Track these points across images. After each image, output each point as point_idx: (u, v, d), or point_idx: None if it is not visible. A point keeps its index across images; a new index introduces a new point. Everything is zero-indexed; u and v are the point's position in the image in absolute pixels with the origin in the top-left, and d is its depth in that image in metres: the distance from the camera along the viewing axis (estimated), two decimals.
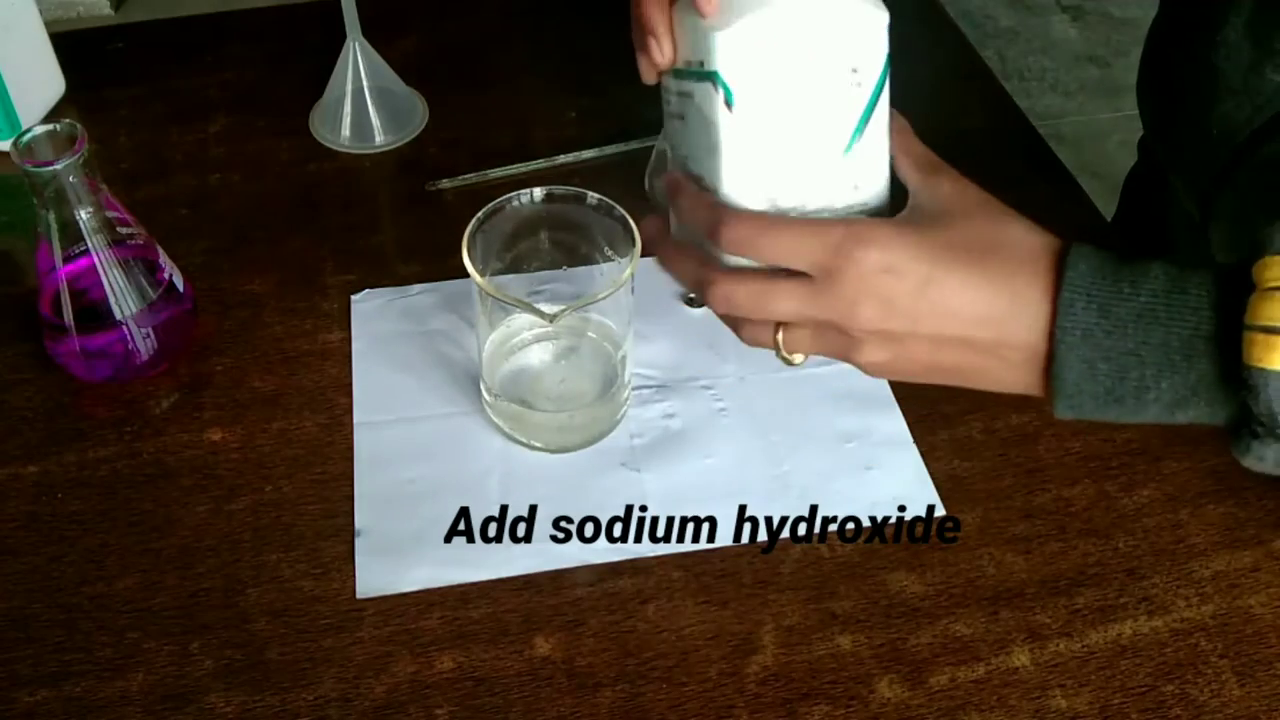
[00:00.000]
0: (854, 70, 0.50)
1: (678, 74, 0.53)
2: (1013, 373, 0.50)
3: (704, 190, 0.52)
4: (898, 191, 0.52)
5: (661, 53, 0.52)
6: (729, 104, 0.50)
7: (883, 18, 0.50)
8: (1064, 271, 0.47)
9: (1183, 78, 0.68)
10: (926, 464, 0.69)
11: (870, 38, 0.50)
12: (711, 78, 0.50)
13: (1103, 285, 0.47)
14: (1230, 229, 0.65)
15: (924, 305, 0.48)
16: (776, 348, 0.51)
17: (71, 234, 0.67)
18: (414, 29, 1.00)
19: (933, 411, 0.71)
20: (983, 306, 0.48)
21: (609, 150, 0.89)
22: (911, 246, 0.48)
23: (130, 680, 0.60)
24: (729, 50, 0.49)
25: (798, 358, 0.52)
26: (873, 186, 0.52)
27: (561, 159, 0.88)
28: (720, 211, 0.50)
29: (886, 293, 0.48)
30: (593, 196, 0.67)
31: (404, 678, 0.60)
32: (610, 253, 0.68)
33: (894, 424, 0.71)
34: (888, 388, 0.73)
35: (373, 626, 0.62)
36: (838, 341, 0.50)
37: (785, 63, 0.49)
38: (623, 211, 0.66)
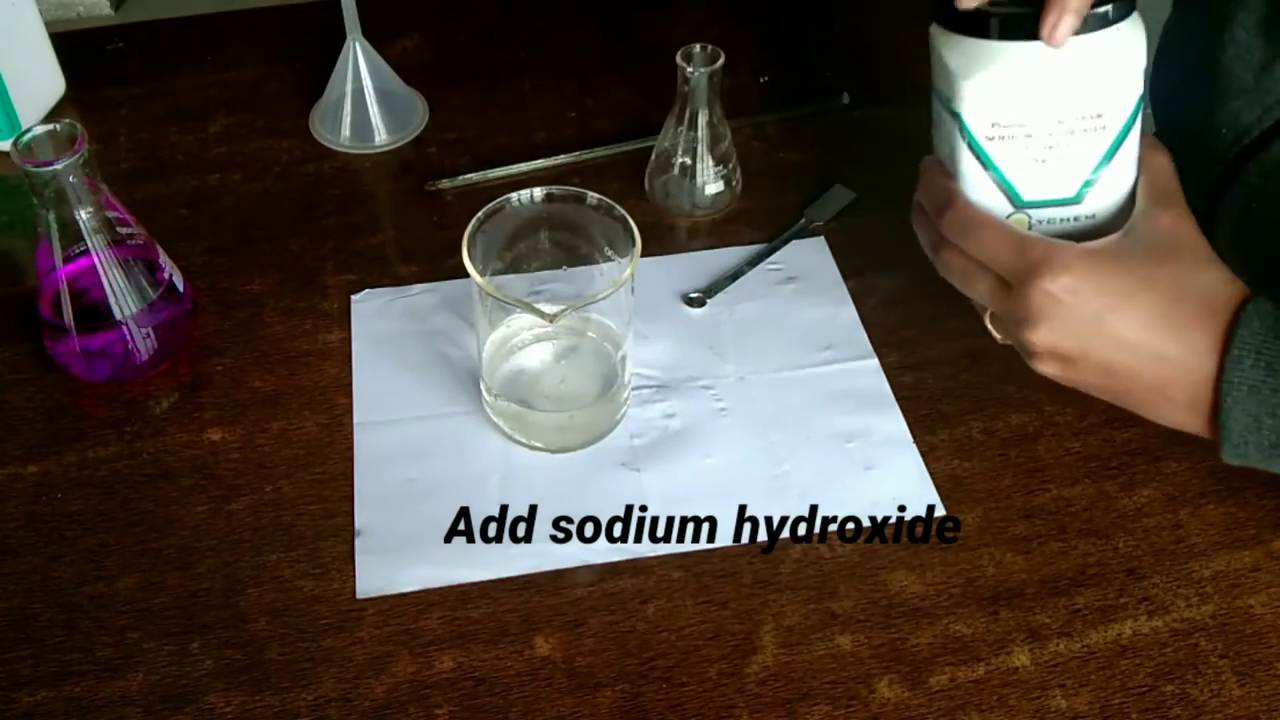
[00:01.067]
0: (1098, 115, 0.52)
1: (936, 92, 0.56)
2: (1178, 412, 0.53)
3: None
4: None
5: None
6: (971, 146, 0.53)
7: (1136, 64, 0.51)
8: (1237, 327, 0.50)
9: (1193, 77, 0.69)
10: (926, 464, 0.69)
11: (1120, 83, 0.52)
12: (956, 118, 0.53)
13: (1274, 343, 0.50)
14: (1236, 227, 0.66)
15: (1099, 335, 0.51)
16: (984, 320, 0.56)
17: (71, 234, 0.67)
18: (414, 29, 1.00)
19: (933, 411, 0.71)
20: (1157, 347, 0.51)
21: (609, 150, 0.89)
22: (1101, 278, 0.51)
23: (130, 680, 0.60)
24: (973, 100, 0.52)
25: (999, 337, 0.56)
26: (1105, 208, 0.54)
27: (561, 159, 0.88)
28: (951, 197, 0.54)
29: (1066, 316, 0.51)
30: (593, 196, 0.67)
31: (404, 678, 0.60)
32: (610, 253, 0.68)
33: (894, 424, 0.71)
34: (888, 388, 0.73)
35: (373, 626, 0.62)
36: (1020, 344, 0.54)
37: (1027, 111, 0.51)
38: (623, 211, 0.66)
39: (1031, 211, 0.54)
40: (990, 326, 0.57)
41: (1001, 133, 0.52)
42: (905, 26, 1.02)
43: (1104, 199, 0.54)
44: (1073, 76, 0.51)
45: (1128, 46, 0.51)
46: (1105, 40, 0.51)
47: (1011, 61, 0.51)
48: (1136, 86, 0.52)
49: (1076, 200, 0.54)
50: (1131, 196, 0.55)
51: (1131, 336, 0.51)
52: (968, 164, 0.54)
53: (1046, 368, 0.54)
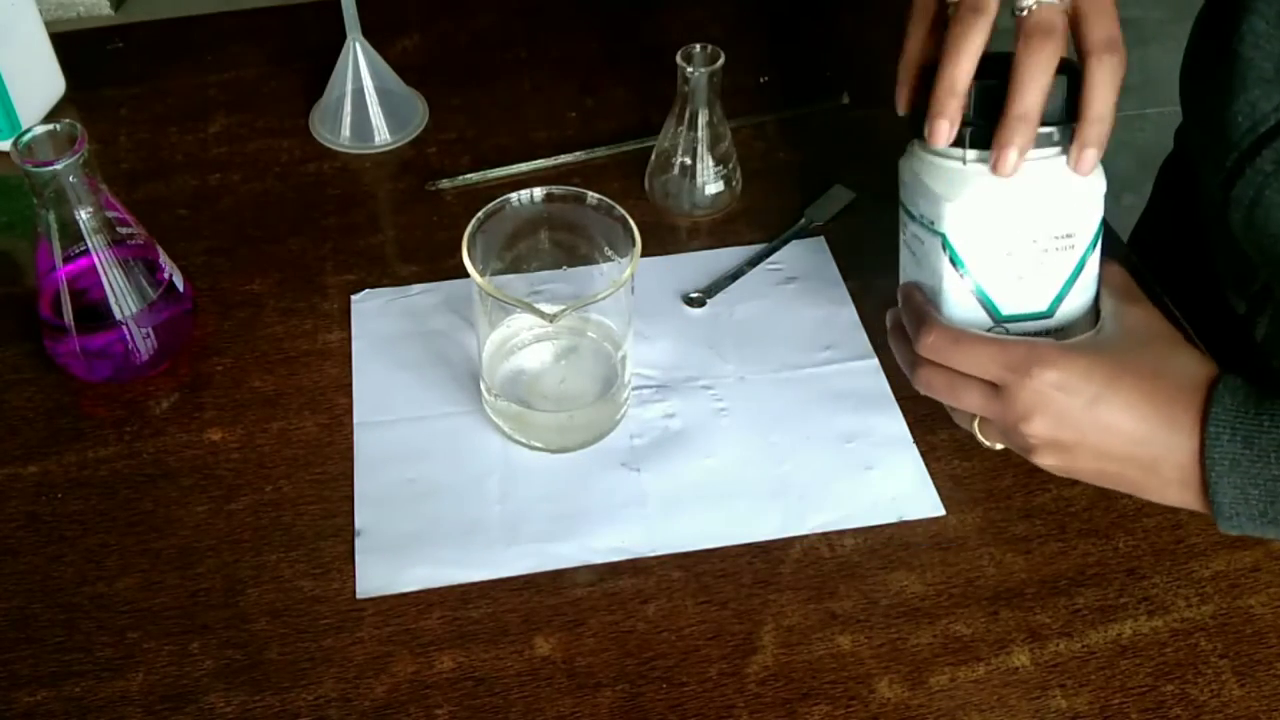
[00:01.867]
0: (1068, 235, 0.56)
1: (909, 213, 0.59)
2: (1172, 490, 0.55)
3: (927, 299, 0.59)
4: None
5: (900, 106, 0.61)
6: (954, 264, 0.56)
7: (1099, 188, 0.56)
8: (1210, 405, 0.52)
9: (1215, 66, 0.72)
10: (926, 464, 0.69)
11: (1086, 207, 0.56)
12: (940, 239, 0.56)
13: (1246, 419, 0.52)
14: (1249, 213, 0.68)
15: (1091, 421, 0.53)
16: (972, 430, 0.59)
17: (71, 234, 0.67)
18: (414, 29, 1.00)
19: (933, 411, 0.71)
20: (1143, 428, 0.53)
21: (609, 150, 0.89)
22: (1084, 368, 0.53)
23: (130, 680, 0.60)
24: (957, 221, 0.55)
25: (997, 445, 0.58)
26: (1073, 318, 0.58)
27: (561, 159, 0.88)
28: (926, 319, 0.57)
29: (1058, 408, 0.53)
30: (593, 196, 0.67)
31: (404, 678, 0.60)
32: (610, 253, 0.68)
33: (894, 424, 0.71)
34: (888, 388, 0.73)
35: (373, 626, 0.62)
36: (1017, 441, 0.56)
37: (1006, 232, 0.55)
38: (623, 211, 0.66)
39: (1009, 325, 0.58)
40: (978, 434, 0.59)
41: (984, 252, 0.56)
42: (905, 26, 1.03)
43: (1072, 310, 0.58)
44: (1047, 199, 0.55)
45: (1095, 174, 0.56)
46: (1082, 180, 0.56)
47: (991, 186, 0.55)
48: (1100, 207, 0.57)
49: (1049, 314, 0.58)
50: (1094, 305, 0.59)
51: (1120, 422, 0.54)
52: (951, 281, 0.57)
53: (1047, 459, 0.56)
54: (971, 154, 0.55)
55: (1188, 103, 0.79)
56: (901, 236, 0.62)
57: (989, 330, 0.58)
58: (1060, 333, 0.58)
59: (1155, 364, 0.54)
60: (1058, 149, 0.55)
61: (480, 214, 0.66)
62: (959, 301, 0.57)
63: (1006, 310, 0.57)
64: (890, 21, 1.03)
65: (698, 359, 0.74)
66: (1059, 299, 0.57)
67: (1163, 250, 0.90)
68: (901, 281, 0.63)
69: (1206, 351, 0.56)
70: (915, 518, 0.66)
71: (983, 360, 0.55)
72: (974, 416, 0.58)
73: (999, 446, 0.59)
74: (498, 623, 0.62)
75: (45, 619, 0.62)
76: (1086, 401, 0.53)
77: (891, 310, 0.63)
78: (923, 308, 0.58)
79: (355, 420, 0.71)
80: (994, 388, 0.55)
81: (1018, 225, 0.55)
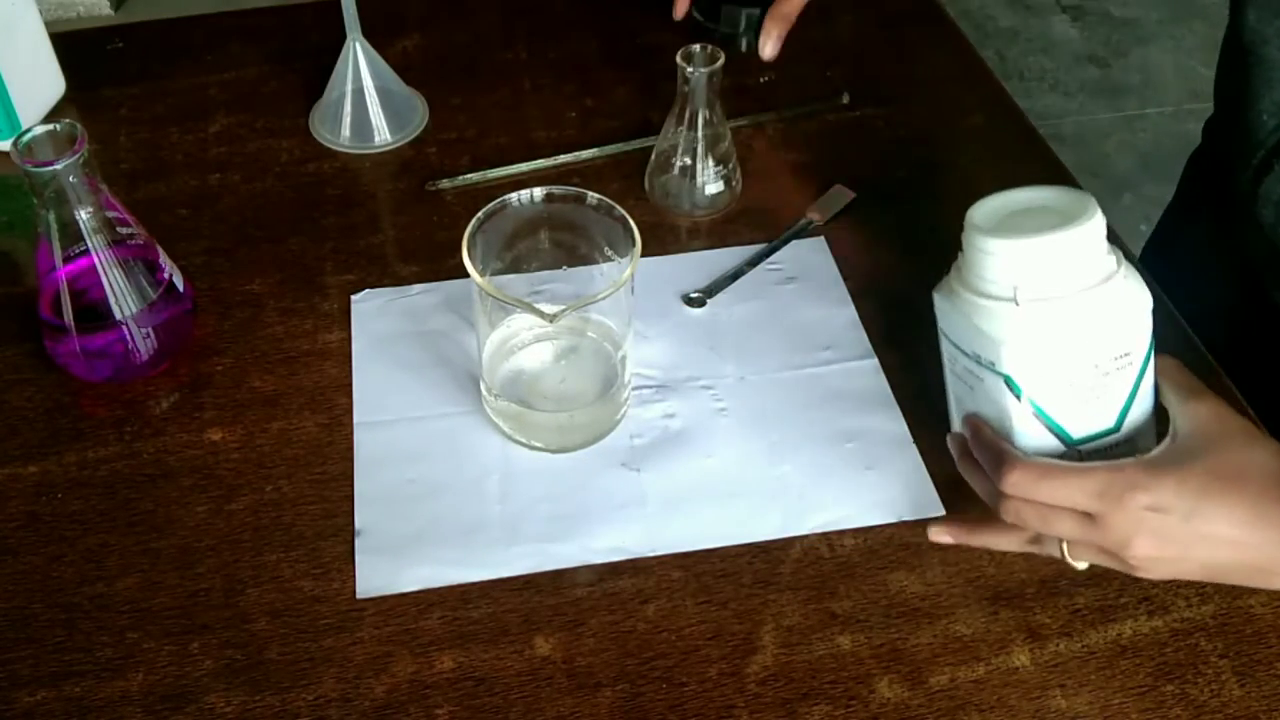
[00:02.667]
0: (1125, 354, 0.56)
1: (960, 349, 0.59)
2: None
3: (994, 431, 0.59)
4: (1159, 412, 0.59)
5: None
6: (1018, 396, 0.56)
7: (1147, 303, 0.56)
8: None
9: (1245, 68, 0.73)
10: (926, 464, 0.69)
11: (1138, 324, 0.56)
12: (1003, 379, 0.56)
13: None
14: (1277, 207, 0.69)
15: (1191, 535, 0.54)
16: (1060, 554, 0.58)
17: (71, 234, 0.67)
18: (414, 29, 1.01)
19: (933, 411, 0.71)
20: (1243, 533, 0.54)
21: (609, 150, 0.89)
22: (1174, 485, 0.53)
23: (130, 680, 0.60)
24: (1019, 361, 0.56)
25: (1081, 564, 0.58)
26: (1139, 427, 0.59)
27: (561, 159, 0.88)
28: (1005, 456, 0.56)
29: (1156, 528, 0.53)
30: (593, 196, 0.67)
31: (404, 678, 0.60)
32: (610, 253, 0.68)
33: (894, 424, 0.71)
34: (888, 388, 0.73)
35: (373, 626, 0.62)
36: (1117, 563, 0.56)
37: (1067, 363, 0.56)
38: (623, 211, 0.66)
39: (1081, 447, 0.58)
40: (1069, 557, 0.58)
41: (1048, 385, 0.56)
42: (905, 26, 1.03)
43: (1138, 419, 0.59)
44: (1102, 326, 0.56)
45: (1138, 287, 0.57)
46: (1121, 287, 0.56)
47: (1048, 322, 0.55)
48: (1150, 319, 0.57)
49: (1117, 429, 0.58)
50: (1157, 405, 0.59)
51: (1219, 530, 0.54)
52: (1018, 415, 0.57)
53: (1155, 574, 0.57)
54: (1023, 294, 0.55)
55: (1220, 100, 0.80)
56: (948, 366, 0.61)
57: (1063, 455, 0.58)
58: (1130, 443, 0.58)
59: (1238, 464, 0.55)
60: (1107, 276, 0.55)
61: (480, 214, 0.66)
62: (1028, 431, 0.57)
63: (1077, 434, 0.57)
64: (890, 21, 1.04)
65: (698, 359, 0.74)
66: (1124, 412, 0.58)
67: (1193, 242, 0.90)
68: (953, 408, 0.63)
69: (1274, 439, 0.57)
70: (915, 518, 0.66)
71: (1071, 493, 0.54)
72: (1060, 541, 0.58)
73: (1083, 565, 0.58)
74: (498, 623, 0.62)
75: (45, 619, 0.62)
76: (1182, 517, 0.53)
77: (955, 437, 0.62)
78: (998, 444, 0.58)
79: (355, 420, 0.71)
80: (1086, 515, 0.55)
81: (1078, 355, 0.56)
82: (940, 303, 0.60)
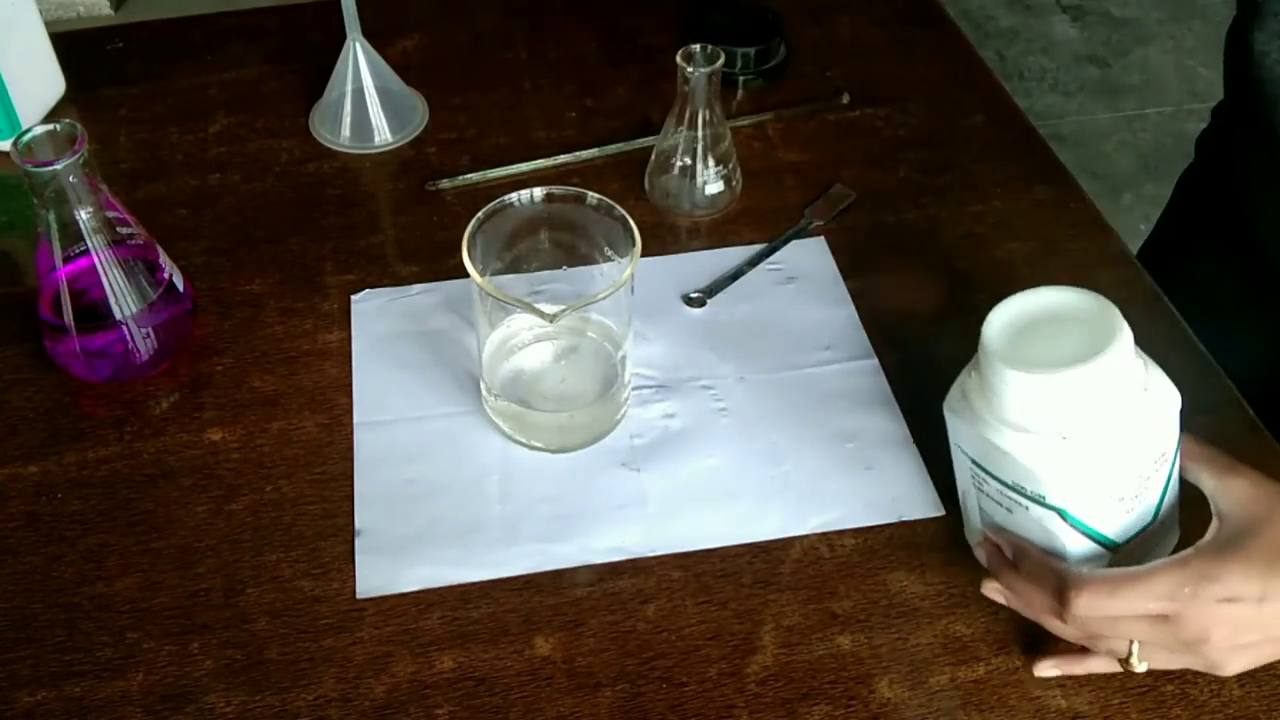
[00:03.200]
0: (1163, 454, 0.55)
1: (989, 474, 0.57)
2: None
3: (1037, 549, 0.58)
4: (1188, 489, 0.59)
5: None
6: (1065, 520, 0.55)
7: (1178, 401, 0.55)
8: None
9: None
10: (926, 464, 0.69)
11: (1172, 424, 0.55)
12: (1054, 510, 0.55)
13: None
14: None
15: (1268, 618, 0.53)
16: (1128, 658, 0.57)
17: (71, 234, 0.67)
18: (414, 29, 1.00)
19: (933, 412, 0.71)
20: None
21: (609, 150, 0.89)
22: (1240, 570, 0.53)
23: (130, 680, 0.60)
24: (1067, 492, 0.54)
25: (1143, 666, 0.57)
26: (1170, 511, 0.58)
27: (561, 159, 0.88)
28: (1068, 580, 0.55)
29: (1232, 617, 0.53)
30: (593, 196, 0.67)
31: (404, 678, 0.60)
32: (610, 253, 0.68)
33: (894, 424, 0.71)
34: (888, 388, 0.73)
35: (373, 626, 0.62)
36: (1194, 660, 0.56)
37: (1114, 479, 0.54)
38: (623, 211, 0.66)
39: (1122, 547, 0.57)
40: (1135, 662, 0.57)
41: (1096, 505, 0.55)
42: (905, 26, 1.03)
43: (1170, 505, 0.58)
44: (1145, 439, 0.54)
45: (1168, 387, 0.55)
46: (1157, 394, 0.55)
47: (1096, 450, 0.53)
48: (1178, 421, 0.56)
49: (1154, 521, 0.58)
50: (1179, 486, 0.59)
51: None
52: (1065, 535, 0.56)
53: (1235, 664, 0.56)
54: (1068, 428, 0.53)
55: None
56: (972, 481, 0.59)
57: (1104, 556, 0.57)
58: (1162, 526, 0.58)
59: None
60: (1144, 387, 0.54)
61: (480, 214, 0.66)
62: (1074, 546, 0.57)
63: (1121, 538, 0.57)
64: (890, 21, 1.04)
65: (698, 359, 0.74)
66: (1160, 504, 0.57)
67: (1201, 230, 0.90)
68: (973, 511, 0.61)
69: None
70: (915, 518, 0.66)
71: (1144, 600, 0.53)
72: (1129, 644, 0.56)
73: (1144, 668, 0.57)
74: (498, 623, 0.62)
75: (45, 619, 0.62)
76: (1255, 601, 0.53)
77: (988, 555, 0.60)
78: (1053, 566, 0.56)
79: (355, 420, 0.71)
80: (1159, 618, 0.54)
81: (1125, 472, 0.55)
82: (959, 424, 0.57)
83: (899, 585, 0.64)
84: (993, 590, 0.60)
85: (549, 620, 0.62)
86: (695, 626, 0.62)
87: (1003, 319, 0.55)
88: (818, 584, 0.64)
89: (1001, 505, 0.58)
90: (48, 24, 0.91)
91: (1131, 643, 0.56)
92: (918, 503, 0.67)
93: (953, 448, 0.60)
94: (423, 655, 0.61)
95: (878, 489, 0.68)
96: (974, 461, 0.58)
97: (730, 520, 0.66)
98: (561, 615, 0.62)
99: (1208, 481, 0.57)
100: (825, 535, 0.66)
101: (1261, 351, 0.80)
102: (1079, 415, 0.52)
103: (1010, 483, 0.56)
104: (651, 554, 0.65)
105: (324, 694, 0.59)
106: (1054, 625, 0.56)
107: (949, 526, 0.66)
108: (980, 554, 0.61)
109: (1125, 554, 0.57)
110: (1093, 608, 0.54)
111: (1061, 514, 0.55)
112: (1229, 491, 0.56)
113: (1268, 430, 0.71)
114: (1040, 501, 0.55)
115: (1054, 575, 0.55)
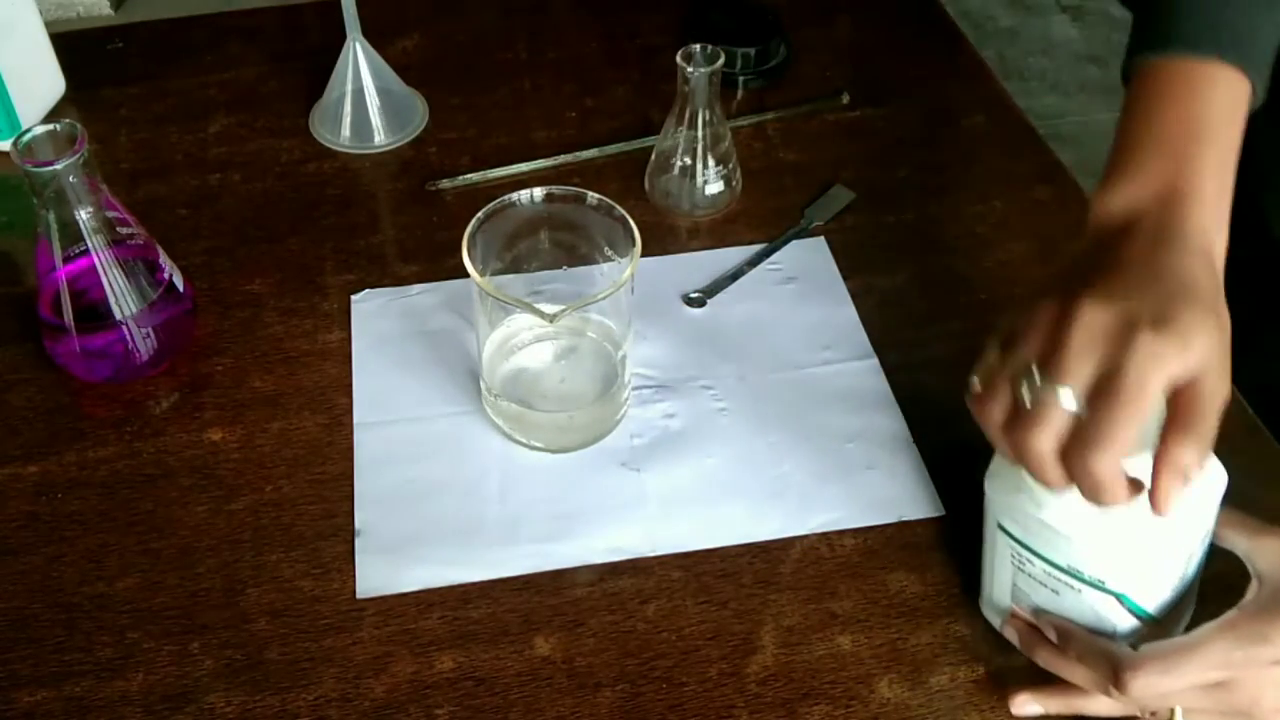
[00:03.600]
0: (1208, 530, 0.55)
1: (1039, 556, 0.56)
2: None
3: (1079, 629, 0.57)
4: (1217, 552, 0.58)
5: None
6: (1125, 605, 0.55)
7: (1224, 481, 0.55)
8: None
9: None
10: (926, 464, 0.69)
11: (1218, 501, 0.55)
12: (1113, 595, 0.55)
13: None
14: None
15: None
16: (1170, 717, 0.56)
17: (71, 234, 0.67)
18: (414, 29, 1.00)
19: (933, 412, 0.71)
20: None
21: (609, 150, 0.89)
22: None
23: (130, 680, 0.60)
24: (1128, 576, 0.54)
25: None
26: (1197, 575, 0.58)
27: (561, 159, 0.88)
28: (1121, 661, 0.54)
29: None
30: (593, 196, 0.67)
31: (404, 678, 0.60)
32: (610, 253, 0.68)
33: (894, 424, 0.71)
34: (888, 388, 0.73)
35: (373, 626, 0.62)
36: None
37: (1172, 562, 0.54)
38: (623, 211, 0.66)
39: (1161, 619, 0.57)
40: None
41: (1153, 588, 0.55)
42: (905, 26, 1.03)
43: (1197, 568, 0.58)
44: (1200, 520, 0.54)
45: (1218, 468, 0.55)
46: (1211, 478, 0.54)
47: (1159, 538, 0.53)
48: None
49: (1188, 587, 0.57)
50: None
51: None
52: (1116, 616, 0.56)
53: None
54: (1133, 516, 0.52)
55: None
56: (1016, 564, 0.57)
57: (1145, 629, 0.56)
58: (1190, 591, 0.58)
59: None
60: (1201, 473, 0.53)
61: (480, 214, 0.66)
62: (1124, 625, 0.56)
63: (1163, 613, 0.56)
64: (890, 21, 1.03)
65: (698, 359, 0.74)
66: (1195, 574, 0.57)
67: None
68: (1002, 585, 0.59)
69: None
70: (915, 518, 0.66)
71: (1199, 672, 0.53)
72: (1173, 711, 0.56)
73: None
74: (498, 623, 0.62)
75: (45, 619, 0.62)
76: None
77: (1022, 635, 0.59)
78: (1101, 645, 0.55)
79: (355, 420, 0.71)
80: (1212, 685, 0.54)
81: (1181, 554, 0.54)
82: (1006, 502, 0.56)
83: (899, 585, 0.64)
84: (1025, 704, 0.59)
85: (549, 620, 0.62)
86: (695, 626, 0.62)
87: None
88: (818, 584, 0.64)
89: (1047, 587, 0.57)
90: (48, 24, 0.91)
91: (1174, 710, 0.55)
92: (918, 503, 0.67)
93: (989, 523, 0.58)
94: (423, 655, 0.61)
95: (878, 489, 0.68)
96: (1019, 542, 0.56)
97: (730, 520, 0.66)
98: (561, 615, 0.62)
99: (1241, 544, 0.57)
100: (825, 535, 0.66)
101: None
102: (1145, 501, 0.51)
103: (1065, 566, 0.55)
104: (651, 554, 0.65)
105: (324, 694, 0.59)
106: (1119, 690, 0.55)
107: (949, 526, 0.66)
108: (1009, 633, 0.60)
109: (1162, 624, 0.57)
110: (1149, 686, 0.53)
111: (1120, 598, 0.55)
112: (1264, 552, 0.56)
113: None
114: (1099, 586, 0.55)
115: (1104, 656, 0.55)
